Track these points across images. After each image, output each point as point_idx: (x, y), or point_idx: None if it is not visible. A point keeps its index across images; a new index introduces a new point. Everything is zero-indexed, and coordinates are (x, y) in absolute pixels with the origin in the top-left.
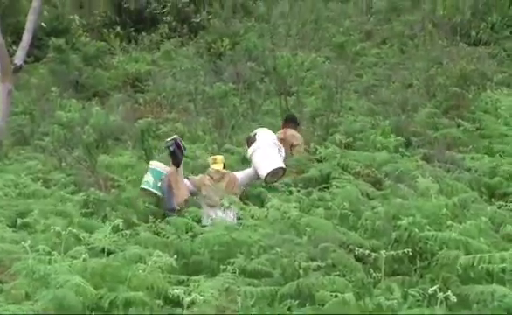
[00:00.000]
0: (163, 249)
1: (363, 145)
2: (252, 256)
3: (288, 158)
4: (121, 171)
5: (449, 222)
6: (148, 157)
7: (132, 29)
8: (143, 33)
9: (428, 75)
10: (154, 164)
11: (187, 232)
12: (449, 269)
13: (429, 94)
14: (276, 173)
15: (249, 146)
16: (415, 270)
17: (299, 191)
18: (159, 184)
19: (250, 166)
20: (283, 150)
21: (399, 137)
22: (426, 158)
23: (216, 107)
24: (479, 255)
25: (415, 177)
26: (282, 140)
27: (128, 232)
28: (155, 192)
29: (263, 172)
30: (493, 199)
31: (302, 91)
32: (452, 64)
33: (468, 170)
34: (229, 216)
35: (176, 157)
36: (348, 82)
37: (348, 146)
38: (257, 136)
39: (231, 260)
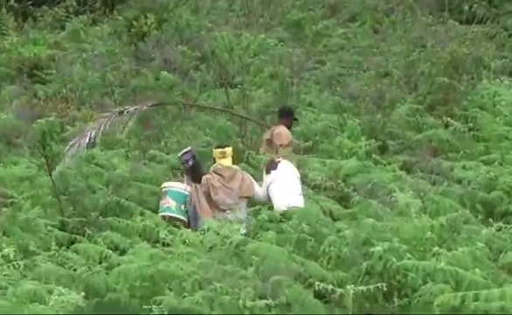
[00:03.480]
0: (69, 285)
1: (327, 151)
2: (185, 293)
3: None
4: (15, 185)
5: (435, 249)
6: (50, 167)
7: (29, 2)
8: (44, 7)
9: (409, 62)
10: (170, 184)
11: (100, 262)
12: (435, 308)
13: (410, 86)
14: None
15: (268, 171)
16: (392, 310)
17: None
18: (183, 207)
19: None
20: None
21: (372, 141)
22: (406, 167)
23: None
24: (473, 292)
25: (392, 191)
26: (269, 141)
27: (22, 263)
28: (181, 217)
29: (278, 206)
30: (490, 220)
31: (248, 82)
32: (439, 47)
33: (459, 182)
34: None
35: (196, 172)
36: (306, 71)
37: (307, 152)
38: (279, 165)
39: (158, 298)
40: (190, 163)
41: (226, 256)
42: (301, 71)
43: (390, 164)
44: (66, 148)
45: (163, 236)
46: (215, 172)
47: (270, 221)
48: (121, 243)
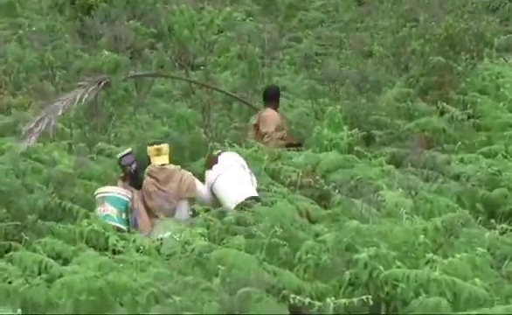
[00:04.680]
0: (4, 300)
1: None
2: (139, 309)
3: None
4: None
5: (429, 255)
6: None
7: None
8: None
9: (398, 38)
10: (107, 189)
11: (40, 273)
12: None
13: (399, 67)
14: (247, 205)
15: (209, 167)
16: None
17: (207, 210)
18: (124, 215)
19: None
20: (254, 177)
21: (356, 130)
22: (395, 161)
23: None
24: (475, 312)
25: (379, 188)
26: (256, 127)
27: None
28: (122, 226)
29: (231, 201)
30: (493, 221)
31: (212, 62)
32: (433, 21)
33: (457, 178)
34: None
35: (137, 177)
36: (279, 50)
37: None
38: (220, 157)
39: (107, 314)
40: (134, 166)
41: (187, 266)
42: (274, 50)
43: (376, 157)
44: (33, 124)
45: (114, 242)
46: (149, 175)
47: (238, 224)
48: (64, 251)
